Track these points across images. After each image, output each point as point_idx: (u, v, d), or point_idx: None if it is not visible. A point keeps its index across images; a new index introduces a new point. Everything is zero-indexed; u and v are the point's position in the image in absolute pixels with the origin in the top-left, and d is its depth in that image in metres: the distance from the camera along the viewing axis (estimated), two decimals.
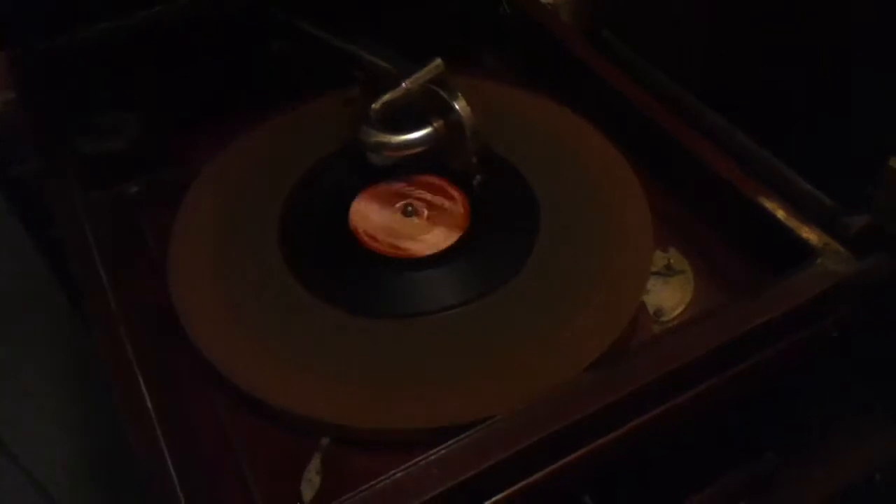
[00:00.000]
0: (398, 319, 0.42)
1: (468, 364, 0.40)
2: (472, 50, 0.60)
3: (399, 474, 0.32)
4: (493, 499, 0.34)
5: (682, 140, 0.48)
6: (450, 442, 0.34)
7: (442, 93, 0.42)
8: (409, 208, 0.46)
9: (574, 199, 0.48)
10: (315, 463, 0.37)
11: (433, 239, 0.44)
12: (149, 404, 0.36)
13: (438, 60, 0.44)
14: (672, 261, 0.46)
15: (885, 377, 0.52)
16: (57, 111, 0.50)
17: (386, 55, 0.46)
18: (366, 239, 0.45)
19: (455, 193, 0.47)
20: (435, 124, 0.43)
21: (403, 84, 0.44)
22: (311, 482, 0.36)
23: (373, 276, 0.43)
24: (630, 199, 0.47)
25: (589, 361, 0.39)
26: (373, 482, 0.32)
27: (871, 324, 0.44)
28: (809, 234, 0.43)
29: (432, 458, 0.33)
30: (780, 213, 0.44)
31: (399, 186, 0.47)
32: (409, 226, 0.45)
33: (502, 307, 0.42)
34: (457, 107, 0.42)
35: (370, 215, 0.46)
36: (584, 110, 0.53)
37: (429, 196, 0.47)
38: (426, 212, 0.46)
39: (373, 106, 0.43)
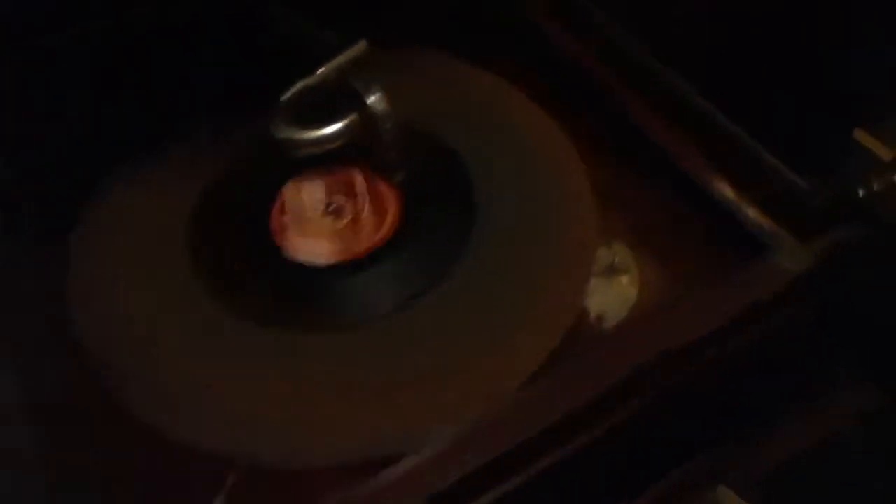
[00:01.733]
0: (311, 333, 0.38)
1: (391, 382, 0.36)
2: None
3: None
4: None
5: (633, 112, 0.45)
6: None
7: (355, 83, 0.38)
8: (331, 205, 0.42)
9: (514, 192, 0.44)
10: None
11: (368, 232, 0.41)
12: None
13: (362, 43, 0.40)
14: (617, 259, 0.43)
15: (852, 338, 0.49)
16: None
17: (303, 29, 0.41)
18: (281, 242, 0.40)
19: (384, 188, 0.42)
20: (350, 117, 0.39)
21: (319, 71, 0.39)
22: None
23: (285, 284, 0.39)
24: (576, 191, 0.43)
25: (526, 375, 0.36)
26: None
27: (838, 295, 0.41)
28: (763, 224, 0.40)
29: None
30: (733, 199, 0.41)
31: (318, 180, 0.43)
32: (337, 224, 0.41)
33: (428, 316, 0.38)
34: (369, 100, 0.38)
35: (290, 221, 0.41)
36: (543, 84, 0.49)
37: (350, 185, 0.43)
38: (351, 204, 0.42)
39: (282, 97, 0.38)
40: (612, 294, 0.42)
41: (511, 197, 0.43)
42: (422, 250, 0.41)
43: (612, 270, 0.42)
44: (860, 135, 0.42)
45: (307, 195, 0.42)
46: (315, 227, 0.41)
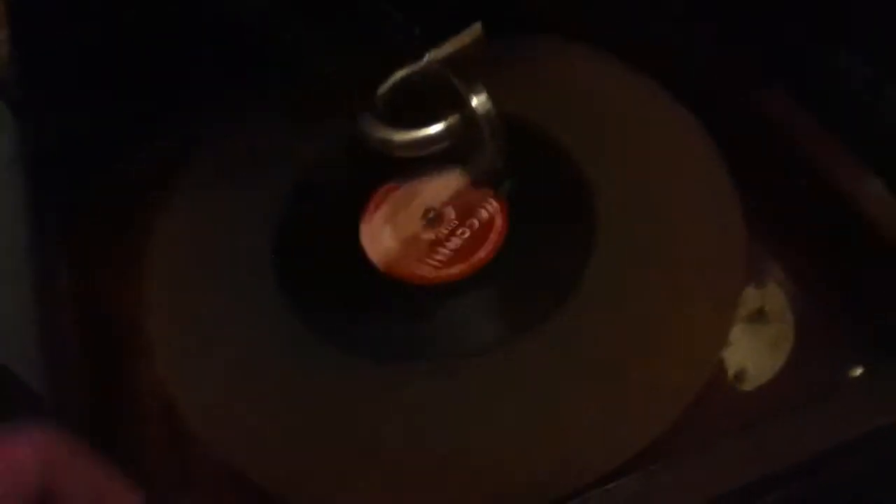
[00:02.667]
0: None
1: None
2: None
3: None
4: None
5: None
6: None
7: (455, 81, 0.32)
8: (431, 214, 0.36)
9: (642, 209, 0.36)
10: None
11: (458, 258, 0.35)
12: None
13: (477, 26, 0.34)
14: (767, 305, 0.35)
15: None
16: None
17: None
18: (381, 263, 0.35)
19: (488, 197, 0.36)
20: (452, 118, 0.33)
21: (426, 58, 0.34)
22: None
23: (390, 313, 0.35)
24: (720, 212, 0.35)
25: (633, 452, 0.29)
26: None
27: None
28: None
29: None
30: None
31: (415, 185, 0.37)
32: (437, 236, 0.36)
33: (531, 356, 0.32)
34: (473, 102, 0.32)
35: (385, 231, 0.36)
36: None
37: (451, 191, 0.37)
38: (453, 213, 0.36)
39: (378, 91, 0.33)
40: (758, 347, 0.34)
41: (638, 215, 0.36)
42: (527, 275, 0.35)
43: (760, 317, 0.34)
44: None
45: (405, 205, 0.36)
46: (413, 239, 0.35)
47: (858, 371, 0.32)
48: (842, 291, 0.35)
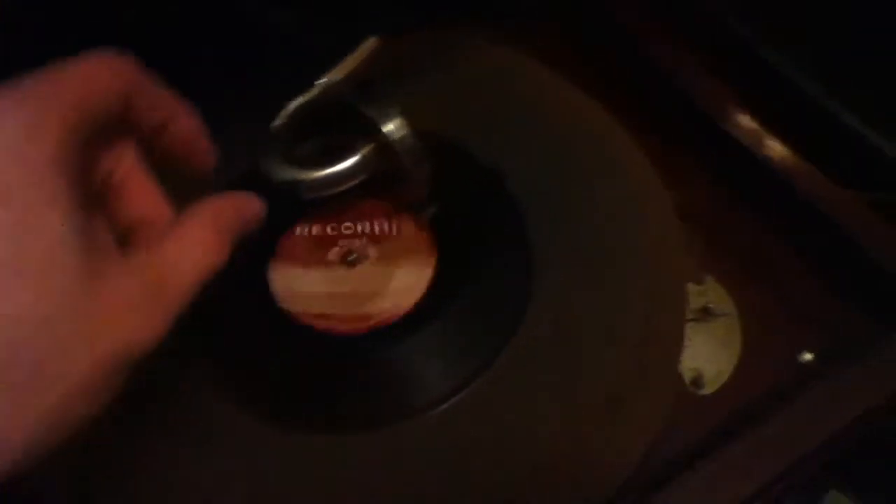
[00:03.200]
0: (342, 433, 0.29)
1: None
2: None
3: None
4: None
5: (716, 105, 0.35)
6: None
7: (364, 106, 0.28)
8: (352, 255, 0.32)
9: (575, 218, 0.33)
10: None
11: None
12: None
13: (371, 40, 0.30)
14: (711, 301, 0.34)
15: None
16: None
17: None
18: (311, 319, 0.31)
19: (413, 226, 0.33)
20: (364, 149, 0.29)
21: (318, 82, 0.29)
22: None
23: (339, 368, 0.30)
24: (658, 218, 0.33)
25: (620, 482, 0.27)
26: None
27: None
28: None
29: None
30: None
31: (331, 223, 0.33)
32: (360, 278, 0.32)
33: (475, 413, 0.29)
34: (386, 128, 0.28)
35: (301, 280, 0.32)
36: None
37: (370, 226, 0.33)
38: (374, 250, 0.32)
39: (273, 123, 0.28)
40: (710, 346, 0.33)
41: (573, 225, 0.33)
42: (469, 309, 0.31)
43: (705, 315, 0.33)
44: None
45: (320, 247, 0.32)
46: (332, 285, 0.31)
47: (809, 356, 0.32)
48: (781, 276, 0.35)
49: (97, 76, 0.19)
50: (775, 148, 0.35)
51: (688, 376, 0.32)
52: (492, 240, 0.32)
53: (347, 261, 0.31)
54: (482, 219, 0.33)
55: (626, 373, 0.29)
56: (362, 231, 0.32)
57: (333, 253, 0.31)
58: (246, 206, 0.23)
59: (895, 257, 0.32)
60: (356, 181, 0.29)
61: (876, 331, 0.32)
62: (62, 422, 0.17)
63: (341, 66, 0.29)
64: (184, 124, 0.22)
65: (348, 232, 0.32)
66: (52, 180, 0.17)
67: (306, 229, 0.32)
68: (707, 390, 0.32)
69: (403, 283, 0.31)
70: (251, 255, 0.31)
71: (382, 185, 0.31)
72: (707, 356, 0.32)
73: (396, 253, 0.31)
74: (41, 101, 0.18)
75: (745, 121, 0.36)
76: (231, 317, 0.31)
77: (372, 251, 0.32)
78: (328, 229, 0.32)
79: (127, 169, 0.21)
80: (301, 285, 0.31)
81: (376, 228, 0.32)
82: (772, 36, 0.40)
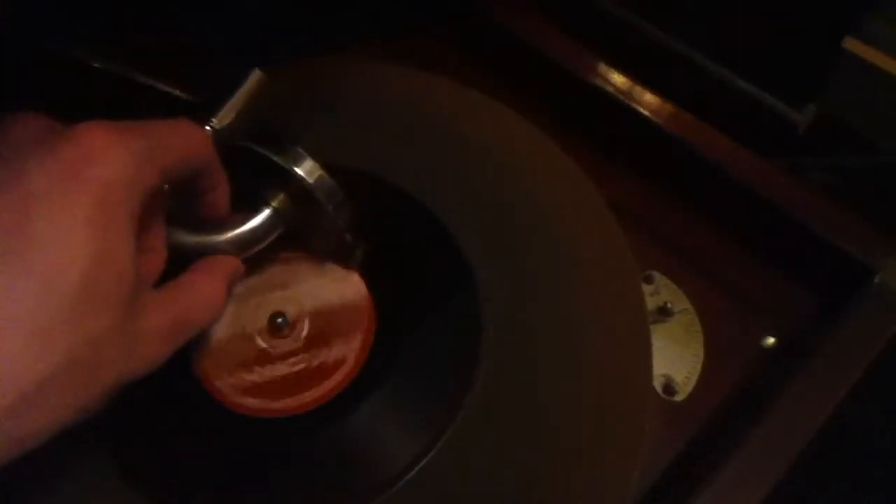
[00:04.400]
0: None
1: None
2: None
3: None
4: None
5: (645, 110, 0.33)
6: None
7: (270, 154, 0.23)
8: (280, 319, 0.27)
9: (511, 234, 0.30)
10: None
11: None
12: None
13: (255, 73, 0.25)
14: (666, 299, 0.32)
15: None
16: None
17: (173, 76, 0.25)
18: (231, 399, 0.26)
19: (352, 284, 0.28)
20: (273, 202, 0.25)
21: (207, 127, 0.24)
22: None
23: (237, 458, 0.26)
24: (598, 224, 0.31)
25: None
26: None
27: None
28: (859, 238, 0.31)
29: None
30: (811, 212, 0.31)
31: (252, 285, 0.28)
32: (278, 352, 0.27)
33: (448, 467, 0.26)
34: (300, 173, 0.24)
35: (223, 349, 0.27)
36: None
37: (313, 295, 0.28)
38: (307, 324, 0.27)
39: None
40: (673, 345, 0.31)
41: (510, 241, 0.30)
42: (417, 365, 0.28)
43: (663, 314, 0.32)
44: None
45: (235, 317, 0.27)
46: (257, 360, 0.26)
47: (771, 340, 0.31)
48: (721, 262, 0.33)
49: (191, 146, 0.21)
50: (692, 128, 0.33)
51: (658, 384, 0.30)
52: (431, 279, 0.29)
53: (275, 325, 0.27)
54: (417, 255, 0.29)
55: (598, 397, 0.27)
56: (292, 289, 0.27)
57: (261, 318, 0.27)
58: (238, 263, 0.24)
59: (829, 226, 0.31)
60: (271, 237, 0.25)
61: (822, 304, 0.32)
62: (75, 418, 0.18)
63: (229, 106, 0.25)
64: (220, 195, 0.23)
65: (275, 292, 0.27)
66: (132, 223, 0.19)
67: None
68: (680, 396, 0.30)
69: (339, 352, 0.27)
70: None
71: (301, 235, 0.27)
72: (671, 359, 0.31)
73: (330, 316, 0.27)
74: (146, 156, 0.19)
75: (658, 104, 0.34)
76: (147, 396, 0.26)
77: (302, 313, 0.27)
78: (251, 289, 0.27)
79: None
80: (221, 356, 0.26)
81: (307, 285, 0.28)
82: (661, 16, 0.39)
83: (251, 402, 0.26)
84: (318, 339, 0.27)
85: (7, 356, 0.17)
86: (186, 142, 0.21)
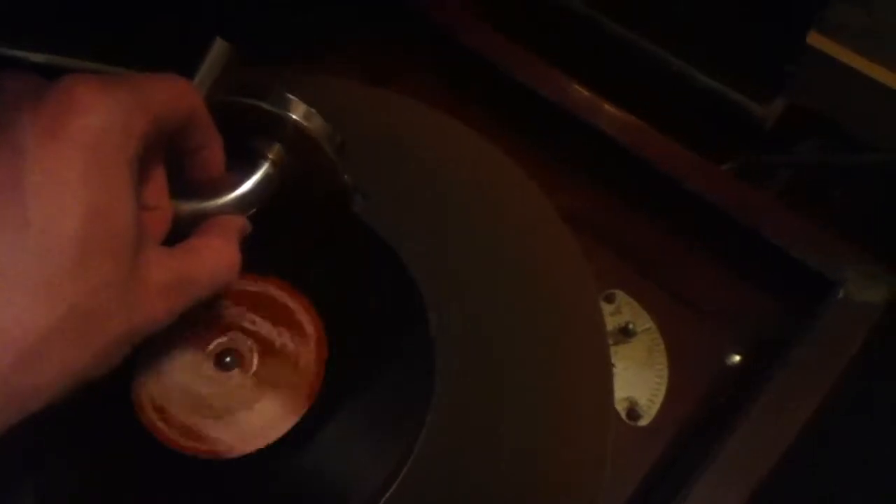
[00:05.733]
0: None
1: None
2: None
3: None
4: None
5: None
6: None
7: (261, 104, 0.23)
8: (228, 357, 0.25)
9: (466, 257, 0.29)
10: None
11: (260, 417, 0.25)
12: None
13: (219, 42, 0.24)
14: (628, 318, 0.31)
15: None
16: None
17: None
18: (156, 423, 0.24)
19: (303, 314, 0.26)
20: (270, 155, 0.24)
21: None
22: None
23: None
24: (558, 253, 0.29)
25: None
26: None
27: None
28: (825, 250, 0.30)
29: None
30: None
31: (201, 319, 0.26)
32: (225, 389, 0.25)
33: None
34: (296, 118, 0.23)
35: (168, 387, 0.25)
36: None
37: (261, 326, 0.26)
38: (255, 358, 0.26)
39: None
40: (636, 366, 0.30)
41: (459, 262, 0.28)
42: (370, 396, 0.26)
43: (626, 334, 0.30)
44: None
45: (181, 354, 0.25)
46: (203, 395, 0.25)
47: (737, 358, 0.30)
48: (681, 275, 0.32)
49: (178, 95, 0.20)
50: (653, 139, 0.32)
51: (622, 408, 0.29)
52: (381, 302, 0.28)
53: (223, 363, 0.25)
54: (366, 279, 0.28)
55: (557, 423, 0.26)
56: (239, 320, 0.26)
57: (212, 345, 0.25)
58: (244, 221, 0.24)
59: (791, 237, 0.30)
60: (272, 192, 0.24)
61: (787, 316, 0.31)
62: (81, 375, 0.18)
63: (201, 77, 0.23)
64: (214, 153, 0.23)
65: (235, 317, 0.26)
66: (129, 174, 0.18)
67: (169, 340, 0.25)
68: (644, 420, 0.29)
69: (290, 385, 0.25)
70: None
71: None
72: (634, 381, 0.29)
73: (276, 365, 0.25)
74: (133, 104, 0.19)
75: (617, 115, 0.33)
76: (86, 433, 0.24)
77: (251, 346, 0.26)
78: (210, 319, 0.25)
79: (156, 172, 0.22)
80: (169, 393, 0.25)
81: (256, 316, 0.26)
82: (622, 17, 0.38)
83: (199, 444, 0.24)
84: (267, 374, 0.25)
85: (11, 309, 0.17)
86: (174, 90, 0.20)
